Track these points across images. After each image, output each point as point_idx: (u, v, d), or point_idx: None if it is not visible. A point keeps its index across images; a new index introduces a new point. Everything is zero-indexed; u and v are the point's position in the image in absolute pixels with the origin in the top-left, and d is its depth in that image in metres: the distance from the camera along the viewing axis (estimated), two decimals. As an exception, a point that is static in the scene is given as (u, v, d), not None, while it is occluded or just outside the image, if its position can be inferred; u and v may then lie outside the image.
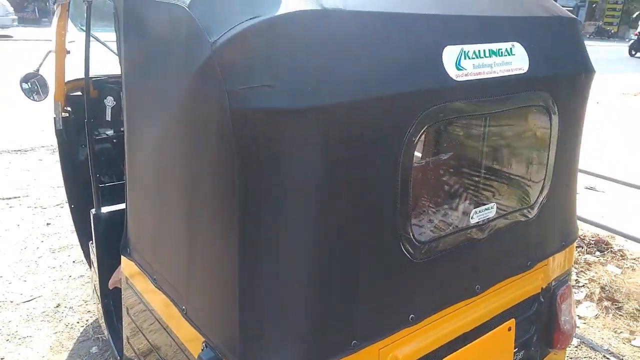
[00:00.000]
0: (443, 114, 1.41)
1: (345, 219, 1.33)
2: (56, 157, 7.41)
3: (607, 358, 3.31)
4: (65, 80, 3.18)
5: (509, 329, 1.86)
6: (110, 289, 2.39)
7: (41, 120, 8.00)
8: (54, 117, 3.22)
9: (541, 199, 1.82)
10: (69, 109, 3.24)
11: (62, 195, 5.81)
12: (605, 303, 3.81)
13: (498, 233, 1.70)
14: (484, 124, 1.58)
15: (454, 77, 1.42)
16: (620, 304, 3.78)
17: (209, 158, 1.34)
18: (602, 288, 3.94)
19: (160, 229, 1.69)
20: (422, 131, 1.37)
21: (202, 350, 1.48)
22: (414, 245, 1.46)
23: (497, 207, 1.69)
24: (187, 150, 1.42)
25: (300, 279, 1.32)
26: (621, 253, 4.45)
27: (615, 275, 4.13)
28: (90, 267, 3.44)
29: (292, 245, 1.30)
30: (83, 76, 2.45)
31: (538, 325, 2.01)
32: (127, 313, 2.17)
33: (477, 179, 1.61)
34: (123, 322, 2.26)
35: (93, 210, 2.62)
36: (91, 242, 2.92)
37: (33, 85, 3.37)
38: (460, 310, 1.69)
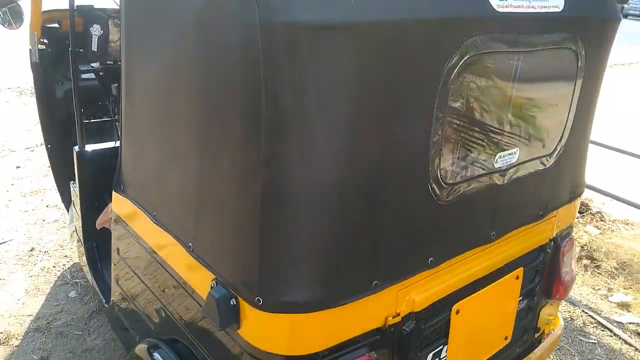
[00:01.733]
0: (483, 46, 1.32)
1: (375, 152, 1.24)
2: (23, 99, 7.04)
3: (586, 312, 3.39)
4: (42, 10, 2.94)
5: (517, 278, 1.84)
6: (98, 228, 2.27)
7: (6, 61, 7.54)
8: (30, 49, 2.98)
9: (559, 148, 1.78)
10: (45, 41, 3.00)
11: (32, 138, 5.53)
12: (585, 261, 3.90)
13: (517, 180, 1.66)
14: (516, 63, 1.50)
15: (496, 8, 1.33)
16: (599, 263, 3.87)
17: (230, 83, 1.21)
18: (582, 247, 4.02)
19: (164, 163, 1.57)
20: (461, 62, 1.28)
21: (212, 287, 1.40)
22: (440, 186, 1.39)
23: (519, 153, 1.63)
24: (203, 76, 1.29)
25: (325, 216, 1.23)
26: (600, 215, 4.54)
27: (594, 236, 4.22)
28: (68, 210, 3.28)
29: (319, 180, 1.20)
30: (60, 7, 2.25)
31: (542, 275, 2.00)
32: (118, 254, 2.06)
33: (503, 122, 1.54)
34: (112, 264, 2.14)
35: (76, 148, 2.45)
36: (72, 182, 2.76)
37: (5, 15, 3.11)
38: (474, 257, 1.65)
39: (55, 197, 3.50)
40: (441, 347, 1.63)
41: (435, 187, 1.38)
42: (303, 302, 1.25)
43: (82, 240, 2.67)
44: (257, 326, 1.30)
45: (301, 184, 1.20)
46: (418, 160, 1.32)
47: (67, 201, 3.30)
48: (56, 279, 3.33)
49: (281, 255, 1.23)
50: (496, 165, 1.57)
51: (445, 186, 1.41)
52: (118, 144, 2.63)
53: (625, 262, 3.86)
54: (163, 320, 1.80)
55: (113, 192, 1.95)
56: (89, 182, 2.50)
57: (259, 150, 1.16)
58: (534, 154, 1.70)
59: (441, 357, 1.65)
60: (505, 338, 1.92)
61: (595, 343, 3.17)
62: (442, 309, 1.59)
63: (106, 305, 2.38)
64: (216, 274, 1.39)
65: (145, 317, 1.93)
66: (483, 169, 1.54)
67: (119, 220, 1.97)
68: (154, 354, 1.79)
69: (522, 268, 1.85)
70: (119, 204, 1.93)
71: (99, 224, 2.24)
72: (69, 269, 3.42)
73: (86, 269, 2.70)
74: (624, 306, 3.49)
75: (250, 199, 1.22)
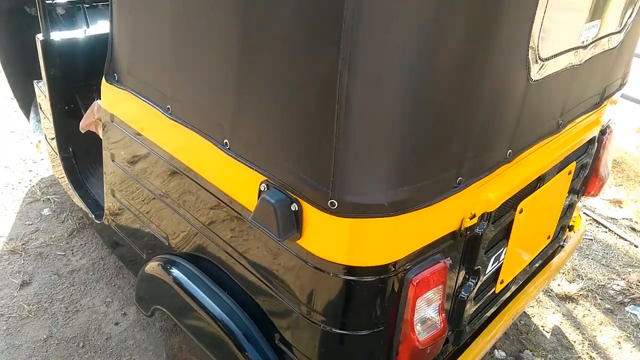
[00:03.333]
0: None
1: (469, 26, 0.97)
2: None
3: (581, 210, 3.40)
4: None
5: (569, 173, 1.69)
6: (83, 132, 1.92)
7: None
8: None
9: (628, 25, 1.56)
10: None
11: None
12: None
13: (589, 61, 1.45)
14: None
15: None
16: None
17: None
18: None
19: (185, 42, 1.24)
20: None
21: (262, 191, 1.15)
22: (536, 60, 1.16)
23: (599, 26, 1.40)
24: None
25: (412, 102, 0.98)
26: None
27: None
28: (29, 117, 2.86)
29: (403, 61, 0.94)
30: None
31: (587, 170, 1.87)
32: (113, 161, 1.75)
33: None
34: (105, 174, 1.84)
35: (40, 37, 2.03)
36: (37, 80, 2.35)
37: None
38: (541, 150, 1.46)
39: (8, 102, 3.05)
40: (502, 249, 1.48)
41: (531, 60, 1.14)
42: (388, 204, 1.03)
43: (56, 150, 2.32)
44: (328, 234, 1.08)
45: (382, 66, 0.93)
46: (521, 28, 1.07)
47: (26, 106, 2.86)
48: (24, 195, 2.98)
49: (362, 150, 0.99)
50: (580, 39, 1.34)
51: (539, 61, 1.18)
52: (89, 31, 2.22)
53: (615, 160, 3.85)
54: (182, 234, 1.55)
55: (103, 85, 1.61)
56: (59, 78, 2.11)
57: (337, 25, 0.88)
58: (609, 29, 1.48)
59: (500, 260, 1.50)
60: (548, 237, 1.80)
61: (591, 239, 3.20)
62: (509, 208, 1.42)
63: (97, 221, 2.10)
64: (267, 175, 1.14)
65: (155, 232, 1.68)
66: (569, 43, 1.30)
67: (112, 120, 1.65)
68: (172, 270, 1.57)
69: (574, 162, 1.70)
70: (112, 99, 1.60)
71: (83, 127, 1.89)
72: (37, 184, 3.06)
73: (65, 182, 2.37)
74: (617, 203, 3.51)
75: (324, 86, 0.95)
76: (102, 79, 1.61)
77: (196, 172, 1.36)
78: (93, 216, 2.13)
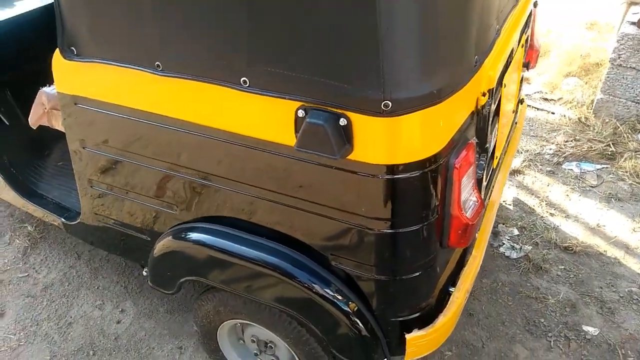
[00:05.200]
0: None
1: None
2: None
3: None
4: None
5: (522, 46, 1.84)
6: (35, 127, 1.72)
7: None
8: None
9: None
10: None
11: None
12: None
13: None
14: None
15: None
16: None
17: None
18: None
19: None
20: None
21: (301, 116, 1.13)
22: None
23: None
24: None
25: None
26: None
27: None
28: None
29: None
30: None
31: (527, 42, 2.04)
32: (84, 148, 1.60)
33: None
34: (76, 167, 1.68)
35: None
36: None
37: None
38: (509, 25, 1.58)
39: None
40: (496, 124, 1.60)
41: None
42: (436, 91, 1.07)
43: None
44: (381, 138, 1.10)
45: None
46: None
47: None
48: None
49: (407, 46, 1.02)
50: None
51: None
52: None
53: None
54: (196, 198, 1.49)
55: (57, 65, 1.45)
56: None
57: None
58: None
59: (495, 135, 1.63)
60: (513, 111, 1.97)
61: (515, 118, 3.52)
62: (498, 83, 1.53)
63: (70, 223, 1.93)
64: (303, 100, 1.13)
65: (158, 206, 1.59)
66: None
67: (76, 102, 1.50)
68: (194, 237, 1.51)
69: (524, 35, 1.85)
70: (72, 78, 1.45)
71: (34, 122, 1.69)
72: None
73: (10, 196, 2.13)
74: (525, 80, 3.86)
75: None
76: (50, 59, 1.45)
77: (205, 125, 1.30)
78: (63, 220, 1.96)
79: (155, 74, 1.27)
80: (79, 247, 2.53)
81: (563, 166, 3.11)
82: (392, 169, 1.14)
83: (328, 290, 1.39)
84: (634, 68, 2.97)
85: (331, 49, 1.06)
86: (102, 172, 1.63)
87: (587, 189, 2.93)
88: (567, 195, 2.90)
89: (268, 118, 1.20)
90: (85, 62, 1.38)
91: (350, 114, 1.10)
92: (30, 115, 1.68)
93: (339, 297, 1.39)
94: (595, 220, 2.72)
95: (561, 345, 2.13)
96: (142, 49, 1.27)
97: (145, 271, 1.92)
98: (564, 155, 3.16)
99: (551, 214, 2.77)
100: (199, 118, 1.30)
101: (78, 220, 1.87)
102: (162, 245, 1.61)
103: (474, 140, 1.32)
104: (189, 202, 1.52)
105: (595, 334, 2.17)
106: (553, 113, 3.52)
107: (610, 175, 3.00)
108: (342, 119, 1.10)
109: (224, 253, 1.46)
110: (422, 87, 1.06)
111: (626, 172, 2.98)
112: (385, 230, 1.24)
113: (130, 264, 2.44)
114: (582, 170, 3.04)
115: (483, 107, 1.34)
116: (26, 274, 2.40)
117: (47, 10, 2.17)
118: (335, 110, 1.10)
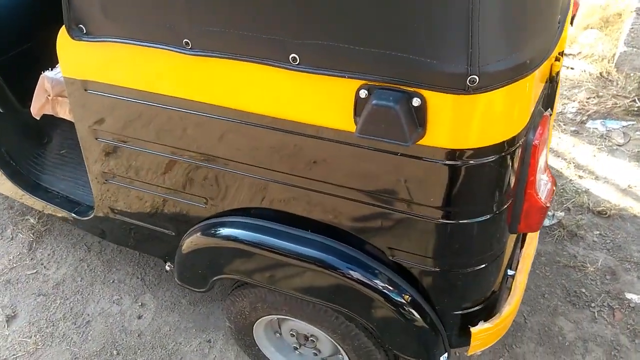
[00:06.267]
0: None
1: None
2: None
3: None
4: None
5: None
6: (38, 118, 1.53)
7: None
8: None
9: None
10: None
11: None
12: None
13: None
14: None
15: None
16: None
17: None
18: None
19: None
20: None
21: (364, 97, 0.97)
22: None
23: None
24: None
25: None
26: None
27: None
28: None
29: None
30: None
31: None
32: (97, 139, 1.42)
33: None
34: (88, 159, 1.50)
35: None
36: None
37: None
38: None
39: None
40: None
41: None
42: (529, 61, 0.91)
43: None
44: (464, 119, 0.95)
45: None
46: None
47: None
48: (-54, 226, 2.45)
49: (497, 14, 0.85)
50: None
51: None
52: None
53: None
54: (231, 191, 1.33)
55: (64, 46, 1.26)
56: None
57: None
58: None
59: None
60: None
61: (531, 75, 3.35)
62: None
63: (83, 219, 1.76)
64: (366, 79, 0.96)
65: (187, 200, 1.43)
66: None
67: (86, 88, 1.31)
68: (228, 233, 1.37)
69: None
70: (82, 60, 1.26)
71: (37, 112, 1.50)
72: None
73: (12, 191, 1.94)
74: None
75: None
76: (56, 39, 1.25)
77: (244, 110, 1.13)
78: (74, 215, 1.79)
79: (183, 52, 1.09)
80: (87, 239, 2.37)
81: (587, 125, 2.97)
82: (474, 152, 0.99)
83: (385, 286, 1.26)
84: (662, 17, 2.81)
85: (404, 15, 0.88)
86: (119, 164, 1.45)
87: (614, 148, 2.81)
88: (594, 155, 2.78)
89: (321, 100, 1.04)
90: (97, 41, 1.18)
91: (425, 93, 0.93)
92: (32, 104, 1.49)
93: (397, 293, 1.26)
94: (626, 181, 2.61)
95: (605, 315, 2.04)
96: (168, 24, 1.08)
97: (169, 266, 1.78)
98: (587, 113, 3.02)
99: (580, 177, 2.65)
100: (237, 103, 1.13)
101: (92, 215, 1.71)
102: (192, 241, 1.46)
103: (548, 113, 1.17)
104: (222, 194, 1.36)
105: (639, 301, 2.09)
106: (572, 68, 3.35)
107: (638, 133, 2.87)
108: (415, 99, 0.94)
109: (268, 250, 1.31)
110: (514, 57, 0.90)
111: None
112: (460, 221, 1.10)
113: (145, 254, 2.29)
114: (608, 129, 2.91)
115: (557, 73, 1.19)
116: (35, 271, 2.25)
117: None
118: (406, 88, 0.94)
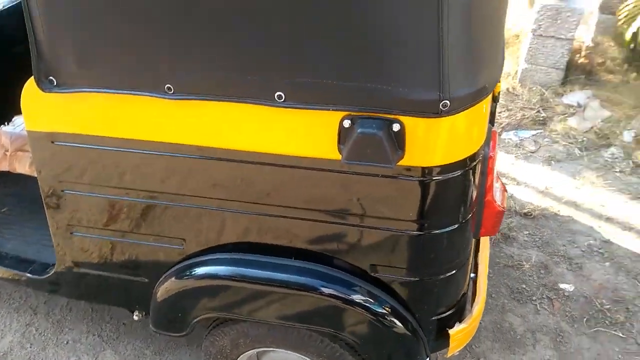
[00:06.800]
0: None
1: None
2: None
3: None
4: None
5: None
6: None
7: None
8: None
9: None
10: None
11: None
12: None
13: None
14: None
15: None
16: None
17: None
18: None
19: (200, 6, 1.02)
20: None
21: (348, 127, 1.06)
22: None
23: None
24: None
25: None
26: None
27: None
28: None
29: None
30: None
31: None
32: (63, 191, 1.39)
33: None
34: (51, 213, 1.45)
35: None
36: None
37: None
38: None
39: None
40: None
41: None
42: (487, 85, 1.06)
43: None
44: (436, 139, 1.07)
45: None
46: None
47: None
48: None
49: (463, 48, 1.00)
50: None
51: None
52: None
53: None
54: (210, 229, 1.35)
55: (30, 99, 1.23)
56: None
57: None
58: None
59: None
60: None
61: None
62: None
63: (39, 277, 1.67)
64: (349, 110, 1.05)
65: (161, 243, 1.42)
66: None
67: (53, 140, 1.29)
68: (205, 270, 1.38)
69: None
70: (50, 111, 1.24)
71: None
72: None
73: None
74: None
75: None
76: (19, 93, 1.23)
77: (228, 148, 1.18)
78: (29, 275, 1.69)
79: (165, 98, 1.12)
80: (31, 301, 2.23)
81: (502, 136, 3.29)
82: (445, 168, 1.11)
83: (370, 302, 1.33)
84: (552, 37, 3.21)
85: (384, 52, 0.99)
86: (88, 215, 1.42)
87: (528, 155, 3.13)
88: (513, 163, 3.07)
89: (305, 132, 1.12)
90: (68, 92, 1.18)
91: (403, 118, 1.05)
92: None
93: (380, 306, 1.34)
94: (542, 183, 2.91)
95: (546, 306, 2.25)
96: (148, 72, 1.11)
97: (137, 315, 1.73)
98: (501, 125, 3.34)
99: (504, 184, 2.92)
100: (220, 141, 1.17)
101: (51, 273, 1.63)
102: (169, 285, 1.45)
103: (495, 128, 1.33)
104: (201, 233, 1.38)
105: (571, 289, 2.33)
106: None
107: (546, 140, 3.22)
108: (395, 124, 1.05)
109: (253, 282, 1.35)
110: (475, 83, 1.04)
111: (558, 134, 3.22)
112: (433, 232, 1.21)
113: (97, 309, 2.20)
114: (520, 138, 3.24)
115: (499, 93, 1.36)
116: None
117: None
118: (386, 116, 1.05)
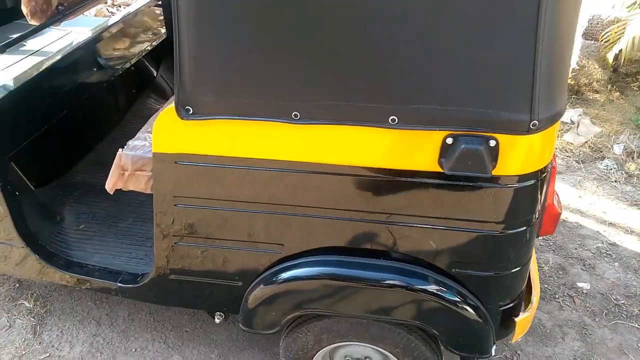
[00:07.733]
0: None
1: None
2: None
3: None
4: None
5: None
6: (112, 193, 1.60)
7: None
8: None
9: None
10: None
11: None
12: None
13: None
14: None
15: None
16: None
17: None
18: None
19: (331, 43, 1.25)
20: None
21: (450, 144, 1.28)
22: None
23: None
24: None
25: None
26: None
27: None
28: None
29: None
30: None
31: None
32: (176, 205, 1.55)
33: None
34: (160, 227, 1.60)
35: None
36: None
37: None
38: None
39: None
40: None
41: None
42: (561, 110, 1.30)
43: (11, 239, 1.86)
44: (524, 153, 1.30)
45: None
46: None
47: None
48: None
49: (553, 77, 1.23)
50: None
51: None
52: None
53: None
54: (311, 233, 1.54)
55: (166, 125, 1.41)
56: None
57: None
58: None
59: None
60: None
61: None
62: None
63: (132, 286, 1.82)
64: (451, 130, 1.28)
65: (259, 249, 1.60)
66: None
67: (176, 161, 1.46)
68: (302, 271, 1.57)
69: None
70: (181, 136, 1.41)
71: (111, 187, 1.58)
72: None
73: (44, 272, 1.91)
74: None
75: (525, 34, 1.14)
76: (153, 120, 1.40)
77: (339, 164, 1.38)
78: (119, 284, 1.84)
79: (291, 123, 1.32)
80: (93, 313, 2.35)
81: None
82: (526, 177, 1.34)
83: (453, 296, 1.54)
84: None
85: (486, 81, 1.22)
86: (195, 226, 1.59)
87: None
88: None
89: (409, 149, 1.33)
90: (202, 119, 1.36)
91: (498, 136, 1.27)
92: (107, 180, 1.57)
93: (462, 299, 1.55)
94: (550, 193, 3.19)
95: (569, 303, 2.50)
96: (279, 102, 1.31)
97: (218, 317, 1.89)
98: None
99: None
100: (333, 158, 1.37)
101: (146, 281, 1.78)
102: (265, 286, 1.62)
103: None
104: (300, 238, 1.56)
105: (588, 287, 2.58)
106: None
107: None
108: (491, 141, 1.27)
109: (349, 281, 1.54)
110: (555, 107, 1.27)
111: (557, 149, 3.52)
112: (509, 232, 1.43)
113: (158, 319, 2.33)
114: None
115: None
116: (47, 355, 2.18)
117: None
118: (484, 133, 1.27)
